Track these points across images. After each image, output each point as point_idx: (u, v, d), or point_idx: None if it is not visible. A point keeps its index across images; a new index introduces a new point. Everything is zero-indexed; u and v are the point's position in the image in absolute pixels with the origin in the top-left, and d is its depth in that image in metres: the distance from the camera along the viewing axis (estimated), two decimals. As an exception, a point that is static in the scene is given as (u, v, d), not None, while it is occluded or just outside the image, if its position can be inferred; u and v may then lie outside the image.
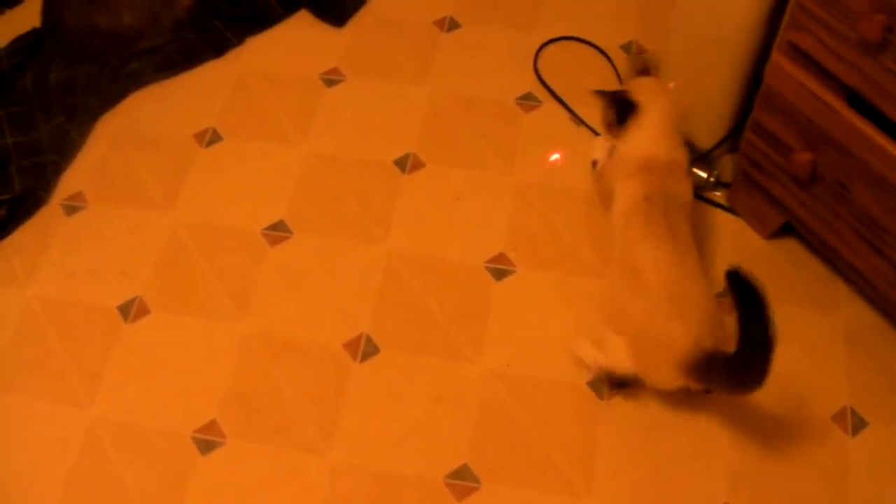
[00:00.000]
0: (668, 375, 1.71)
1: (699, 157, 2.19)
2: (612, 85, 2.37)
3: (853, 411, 1.89)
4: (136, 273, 2.07)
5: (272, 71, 2.42)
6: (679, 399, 1.88)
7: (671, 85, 2.00)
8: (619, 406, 1.88)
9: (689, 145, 2.21)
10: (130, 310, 2.01)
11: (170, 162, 2.25)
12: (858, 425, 1.88)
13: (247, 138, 2.29)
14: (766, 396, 1.90)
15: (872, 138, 1.72)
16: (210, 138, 2.29)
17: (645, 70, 1.99)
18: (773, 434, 1.87)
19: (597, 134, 2.27)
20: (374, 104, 2.35)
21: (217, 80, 2.41)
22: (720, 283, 2.03)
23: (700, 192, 2.19)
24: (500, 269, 2.07)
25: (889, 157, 1.70)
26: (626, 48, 2.45)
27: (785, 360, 1.93)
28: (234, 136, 2.30)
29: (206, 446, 1.84)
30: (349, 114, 2.34)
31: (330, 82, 2.40)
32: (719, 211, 2.17)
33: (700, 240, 2.12)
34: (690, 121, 2.18)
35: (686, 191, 1.89)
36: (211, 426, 1.86)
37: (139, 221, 2.15)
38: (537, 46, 2.46)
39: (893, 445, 1.86)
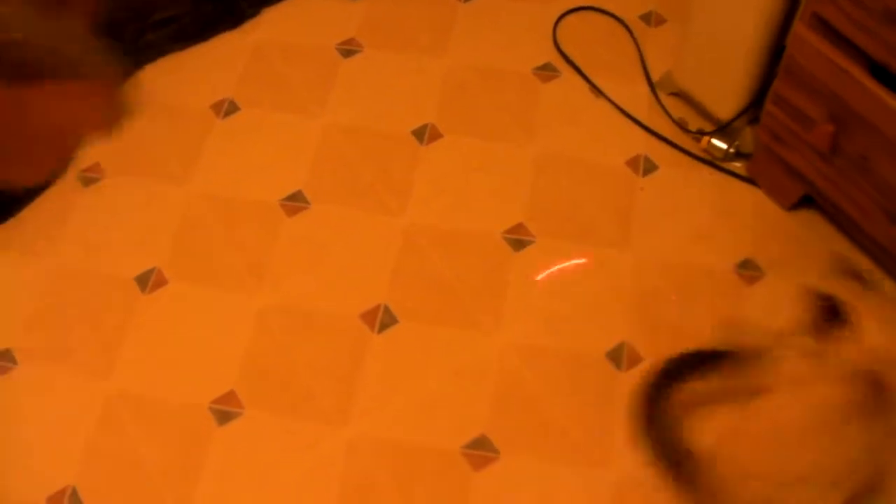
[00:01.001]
0: None
1: (720, 128, 2.17)
2: (631, 56, 2.36)
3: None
4: (153, 244, 2.06)
5: (289, 42, 2.41)
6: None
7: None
8: (638, 377, 1.88)
9: (709, 116, 2.20)
10: (148, 281, 2.01)
11: (187, 133, 2.25)
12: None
13: (264, 109, 2.28)
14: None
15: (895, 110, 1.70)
16: (227, 109, 2.28)
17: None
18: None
19: (617, 107, 2.26)
20: (392, 75, 2.34)
21: (233, 51, 2.40)
22: (742, 252, 2.03)
23: (720, 162, 2.18)
24: (518, 240, 2.06)
25: (913, 130, 1.69)
26: (646, 18, 2.42)
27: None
28: (251, 106, 2.29)
29: (223, 417, 1.84)
30: (366, 85, 2.32)
31: (347, 53, 2.38)
32: (739, 182, 2.16)
33: (721, 211, 2.11)
34: (711, 91, 2.17)
35: None
36: (229, 396, 1.86)
37: (156, 193, 2.15)
38: (556, 16, 2.44)
39: None
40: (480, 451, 1.79)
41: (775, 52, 2.00)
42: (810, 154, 1.95)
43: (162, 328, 1.96)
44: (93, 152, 2.23)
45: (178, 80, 2.35)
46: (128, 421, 1.84)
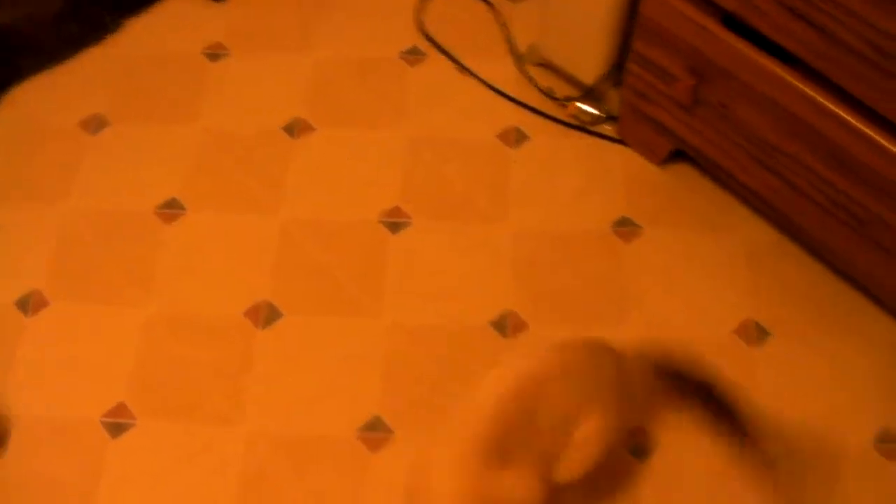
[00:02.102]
0: None
1: (585, 93, 2.20)
2: (495, 33, 2.39)
3: (756, 324, 1.92)
4: (31, 267, 2.04)
5: (154, 51, 2.40)
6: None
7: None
8: (523, 342, 1.90)
9: (575, 82, 2.23)
10: (28, 303, 1.99)
11: (58, 153, 2.22)
12: (761, 336, 1.91)
13: (134, 121, 2.26)
14: (668, 316, 1.93)
15: (750, 58, 1.74)
16: (97, 125, 2.26)
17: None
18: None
19: (485, 83, 2.28)
20: (260, 75, 2.34)
21: (100, 66, 2.38)
22: (617, 211, 2.06)
23: (589, 126, 2.21)
24: (395, 223, 2.07)
25: (768, 75, 1.73)
26: (507, -7, 2.45)
27: (684, 281, 1.97)
28: (121, 120, 2.27)
29: (116, 429, 1.82)
30: (236, 88, 2.32)
31: (214, 57, 2.38)
32: (610, 144, 2.19)
33: (594, 174, 2.14)
34: (574, 57, 2.20)
35: None
36: (119, 408, 1.85)
37: (30, 214, 2.12)
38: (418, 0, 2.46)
39: (796, 351, 1.89)
40: (375, 432, 1.80)
41: (631, 13, 2.03)
42: (674, 108, 1.98)
43: (47, 348, 1.93)
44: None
45: (47, 99, 2.32)
46: (19, 440, 1.82)
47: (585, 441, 1.54)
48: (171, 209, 2.10)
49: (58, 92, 2.33)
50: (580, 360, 1.57)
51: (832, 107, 1.66)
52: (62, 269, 2.03)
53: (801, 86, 1.69)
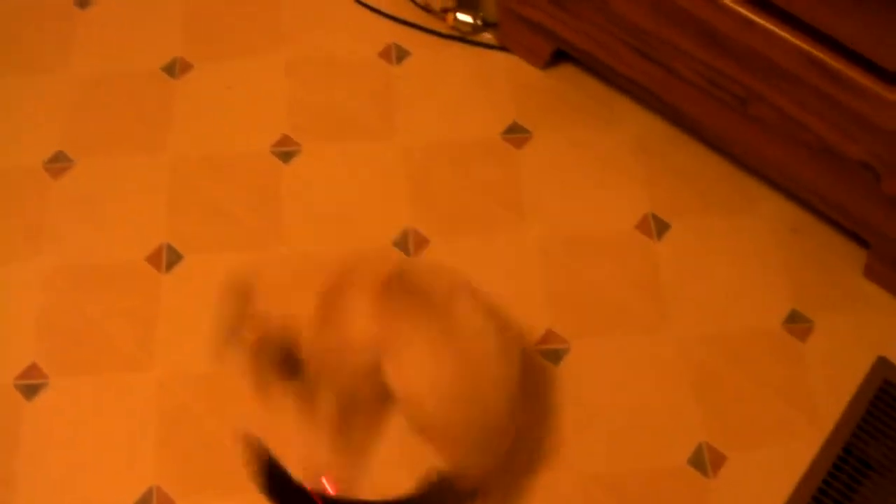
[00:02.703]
0: None
1: (461, 2, 2.20)
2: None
3: (655, 216, 1.96)
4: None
5: (23, 3, 2.33)
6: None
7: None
8: (428, 259, 1.92)
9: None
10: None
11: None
12: (662, 229, 1.95)
13: (8, 75, 2.20)
14: (568, 217, 1.96)
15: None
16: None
17: None
18: (580, 253, 1.93)
19: (360, 2, 2.26)
20: (132, 16, 2.29)
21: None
22: (506, 118, 2.07)
23: (469, 36, 2.21)
24: (285, 152, 2.06)
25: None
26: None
27: (580, 181, 2.00)
28: (-8, 77, 2.22)
29: (29, 391, 1.81)
30: (107, 32, 2.27)
31: (82, 4, 2.32)
32: (492, 52, 2.20)
33: (479, 83, 2.15)
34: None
35: None
36: (31, 370, 1.83)
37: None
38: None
39: (696, 238, 1.94)
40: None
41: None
42: (551, 7, 1.99)
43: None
44: None
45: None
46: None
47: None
48: (58, 162, 2.06)
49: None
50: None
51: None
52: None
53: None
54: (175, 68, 2.19)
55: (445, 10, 2.22)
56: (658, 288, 1.89)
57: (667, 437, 1.75)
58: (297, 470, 1.59)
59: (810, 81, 1.65)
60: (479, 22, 2.21)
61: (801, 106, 1.70)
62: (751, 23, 1.65)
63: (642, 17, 1.83)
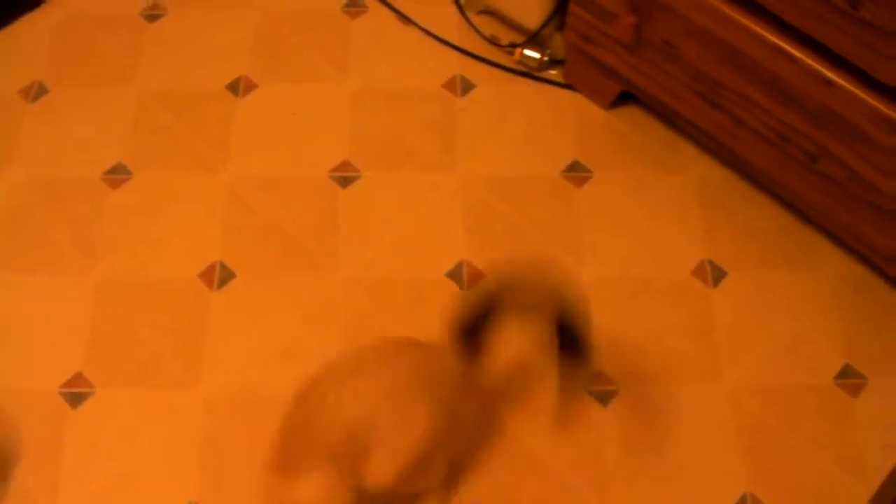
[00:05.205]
0: None
1: (530, 38, 2.19)
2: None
3: (711, 263, 1.94)
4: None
5: (91, 13, 2.35)
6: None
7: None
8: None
9: (519, 28, 2.22)
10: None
11: (-1, 123, 2.18)
12: (719, 276, 1.92)
13: (75, 86, 2.22)
14: (624, 259, 1.94)
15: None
16: (37, 91, 2.22)
17: None
18: (635, 295, 1.91)
19: (428, 32, 2.26)
20: (201, 33, 2.30)
21: (37, 32, 2.33)
22: (568, 156, 2.06)
23: (536, 72, 2.21)
24: (344, 177, 2.06)
25: (709, 9, 1.72)
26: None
27: (638, 224, 1.98)
28: (62, 85, 2.23)
29: (75, 399, 1.81)
30: (176, 46, 2.28)
31: (152, 17, 2.34)
32: (557, 89, 2.19)
33: (543, 120, 2.14)
34: (516, 3, 2.19)
35: None
36: (77, 378, 1.83)
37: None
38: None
39: (753, 288, 1.91)
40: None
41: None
42: (619, 49, 1.98)
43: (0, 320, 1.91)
44: None
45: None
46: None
47: (392, 441, 1.48)
48: (117, 174, 2.07)
49: (-7, 60, 2.29)
50: (375, 360, 1.53)
51: (773, 38, 1.67)
52: (10, 240, 2.00)
53: (740, 18, 1.69)
54: (239, 87, 2.20)
55: (513, 46, 2.21)
56: (711, 335, 1.86)
57: (711, 488, 1.72)
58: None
59: (884, 142, 1.62)
60: (545, 59, 2.20)
61: (873, 166, 1.67)
62: (829, 82, 1.63)
63: (711, 65, 1.81)
